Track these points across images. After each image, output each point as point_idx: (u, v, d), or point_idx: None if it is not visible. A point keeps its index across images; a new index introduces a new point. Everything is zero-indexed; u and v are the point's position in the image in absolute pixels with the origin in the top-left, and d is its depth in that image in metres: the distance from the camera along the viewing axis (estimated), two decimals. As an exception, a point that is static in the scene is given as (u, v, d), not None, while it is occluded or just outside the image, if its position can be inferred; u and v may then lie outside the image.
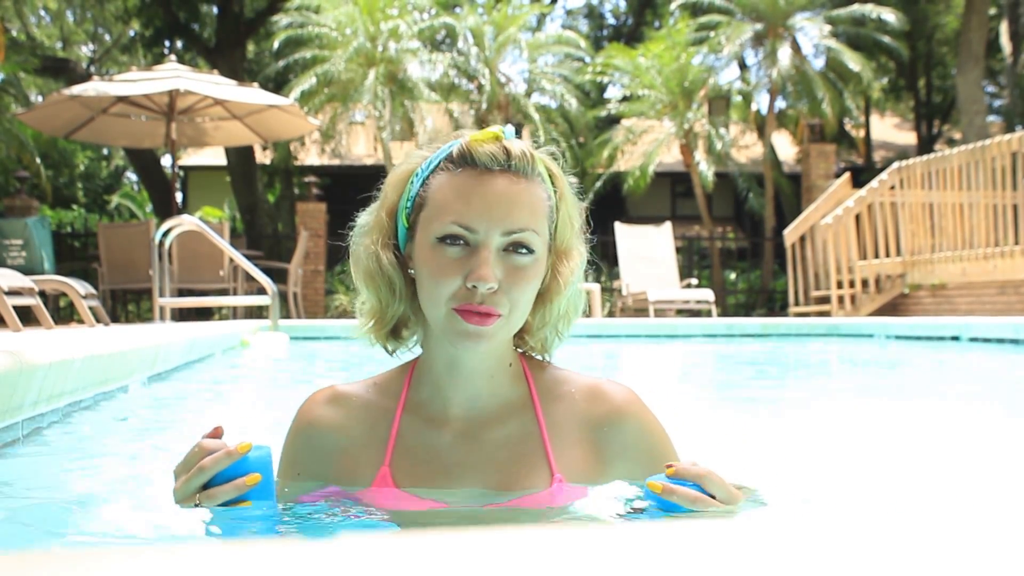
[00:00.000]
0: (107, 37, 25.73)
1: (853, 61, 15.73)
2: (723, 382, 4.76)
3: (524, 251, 1.25)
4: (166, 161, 19.41)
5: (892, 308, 10.68)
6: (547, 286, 1.34)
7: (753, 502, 1.39)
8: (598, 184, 17.07)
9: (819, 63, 17.13)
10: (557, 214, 1.33)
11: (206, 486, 1.18)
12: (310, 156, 19.37)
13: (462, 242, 1.24)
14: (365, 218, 1.38)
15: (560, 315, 1.37)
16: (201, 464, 1.17)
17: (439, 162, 1.30)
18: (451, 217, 1.24)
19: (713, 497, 1.15)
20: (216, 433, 1.22)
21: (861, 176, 17.55)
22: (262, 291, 7.42)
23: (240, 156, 16.39)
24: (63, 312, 11.47)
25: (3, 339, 3.03)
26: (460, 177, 1.27)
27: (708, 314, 11.65)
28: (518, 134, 1.36)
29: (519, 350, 1.42)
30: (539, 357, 1.44)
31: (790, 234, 11.99)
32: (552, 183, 1.33)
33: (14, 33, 19.43)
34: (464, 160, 1.28)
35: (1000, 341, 6.25)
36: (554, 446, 1.34)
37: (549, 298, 1.34)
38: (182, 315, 9.56)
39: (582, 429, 1.36)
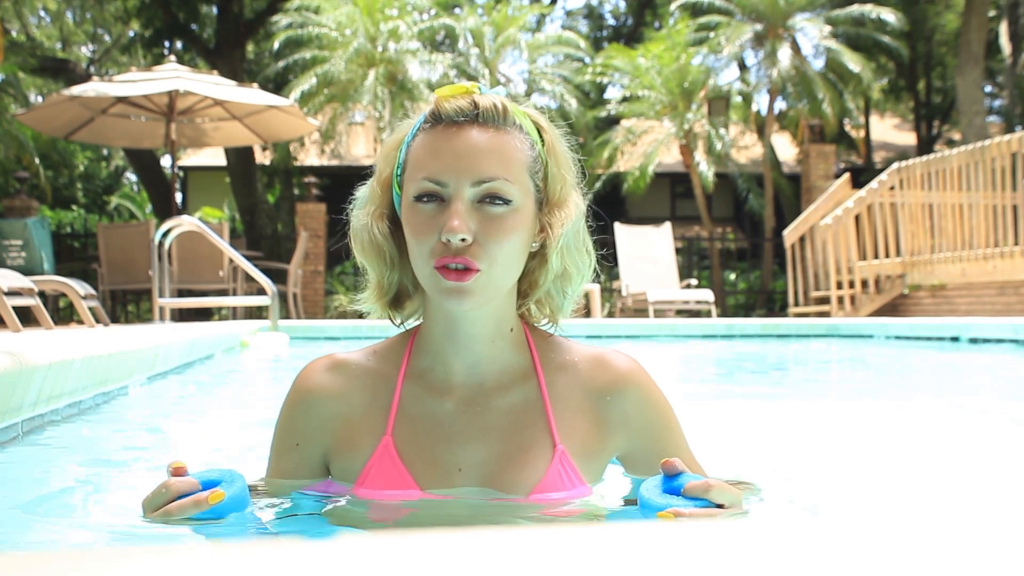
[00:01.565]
0: (107, 37, 25.73)
1: (853, 62, 15.72)
2: (722, 382, 4.76)
3: (499, 202, 1.23)
4: (166, 162, 19.41)
5: (892, 309, 10.69)
6: (542, 241, 1.32)
7: (752, 493, 1.40)
8: (598, 184, 17.06)
9: (819, 64, 17.12)
10: (546, 167, 1.31)
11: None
12: (310, 157, 19.38)
13: (437, 199, 1.24)
14: (361, 191, 1.39)
15: (560, 271, 1.34)
16: (167, 509, 1.15)
17: (420, 125, 1.31)
18: (423, 174, 1.25)
19: (722, 506, 1.15)
20: (179, 471, 1.18)
21: (861, 177, 17.56)
22: (262, 292, 7.42)
23: (240, 157, 16.40)
24: (63, 313, 11.47)
25: (3, 340, 3.02)
26: (431, 134, 1.27)
27: (708, 315, 11.65)
28: None
29: (524, 320, 1.41)
30: (549, 326, 1.42)
31: (790, 235, 12.00)
32: (540, 135, 1.32)
33: (14, 34, 19.44)
34: (436, 117, 1.28)
35: (1000, 341, 6.24)
36: (556, 414, 1.33)
37: (546, 253, 1.32)
38: (182, 315, 9.56)
39: (584, 398, 1.35)
